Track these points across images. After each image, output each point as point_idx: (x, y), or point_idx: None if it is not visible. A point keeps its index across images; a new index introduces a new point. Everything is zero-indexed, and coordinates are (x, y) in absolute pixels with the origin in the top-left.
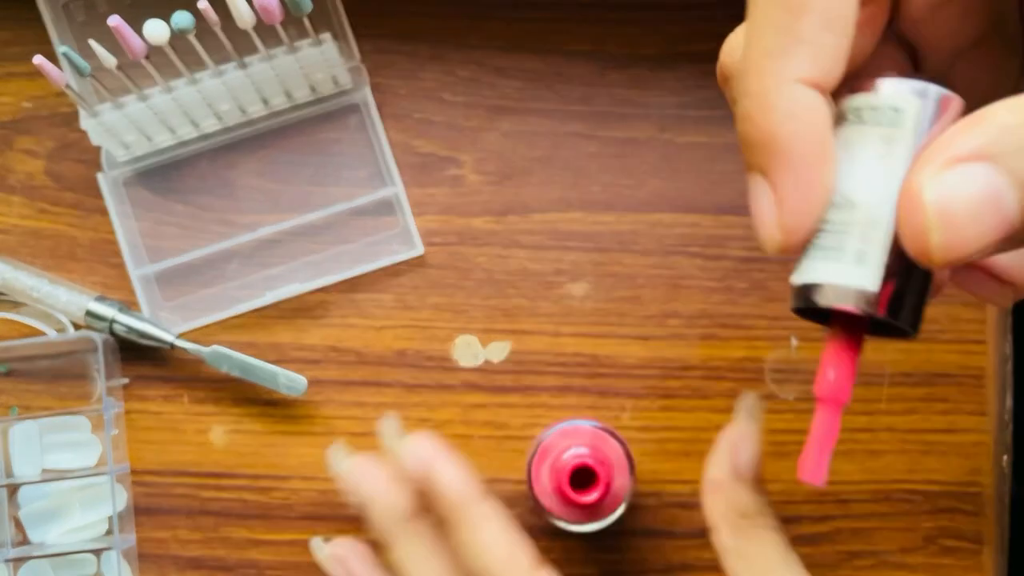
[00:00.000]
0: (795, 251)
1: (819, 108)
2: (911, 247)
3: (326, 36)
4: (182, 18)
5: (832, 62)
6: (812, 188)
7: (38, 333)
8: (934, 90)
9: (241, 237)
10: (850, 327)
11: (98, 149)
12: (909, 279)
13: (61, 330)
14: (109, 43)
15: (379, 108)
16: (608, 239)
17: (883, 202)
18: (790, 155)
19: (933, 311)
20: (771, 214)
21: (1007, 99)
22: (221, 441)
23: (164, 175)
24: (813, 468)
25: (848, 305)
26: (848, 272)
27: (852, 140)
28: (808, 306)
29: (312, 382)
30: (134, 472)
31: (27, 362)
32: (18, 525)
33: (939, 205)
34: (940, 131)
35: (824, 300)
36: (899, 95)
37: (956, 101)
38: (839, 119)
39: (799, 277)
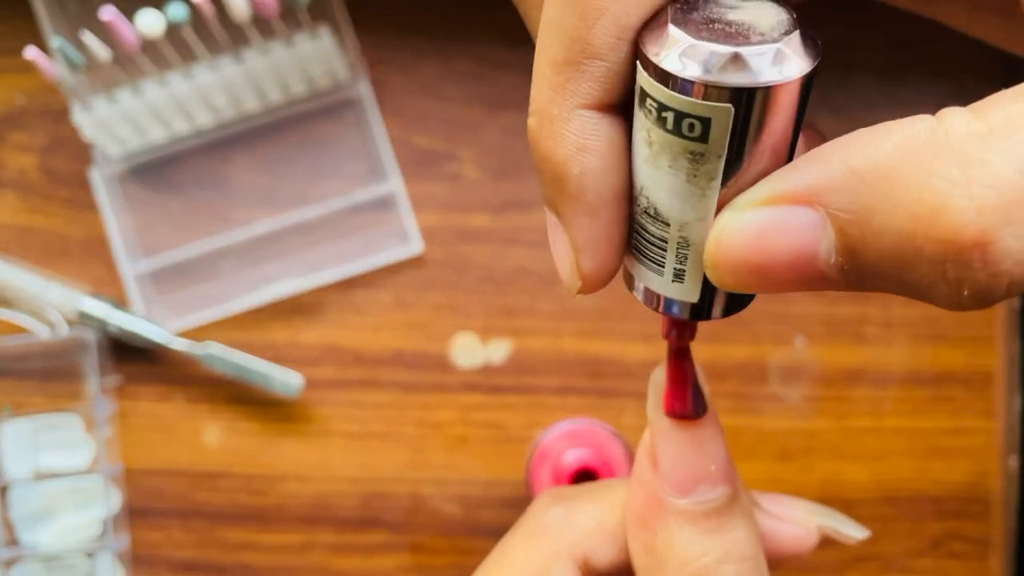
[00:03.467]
0: (596, 291)
1: (614, 139)
2: (716, 282)
3: (324, 29)
4: (177, 10)
5: (627, 79)
6: (611, 236)
7: (30, 331)
8: (760, 82)
9: (236, 234)
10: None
11: (91, 144)
12: None
13: (54, 328)
14: (102, 36)
15: (377, 103)
16: None
17: (695, 223)
18: (583, 199)
19: (938, 311)
20: (568, 259)
21: (846, 137)
22: (216, 441)
23: (158, 171)
24: (678, 405)
25: (676, 313)
26: (670, 287)
27: (658, 144)
28: (644, 303)
29: (308, 382)
30: (127, 472)
31: (19, 361)
32: (9, 526)
33: (751, 250)
34: (769, 135)
35: (654, 306)
36: (704, 102)
37: (790, 86)
38: (638, 94)
39: (629, 267)
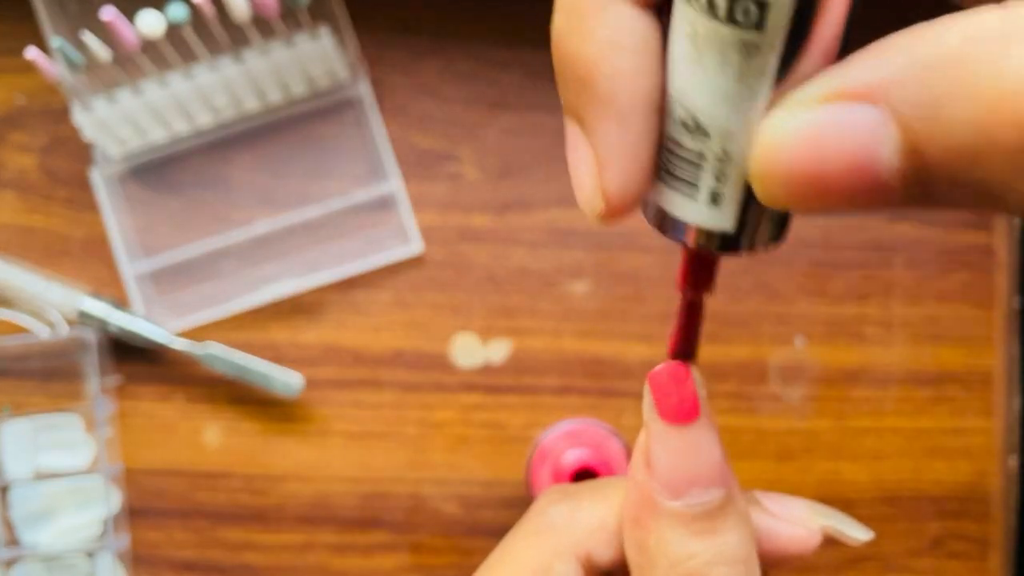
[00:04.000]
0: (619, 217)
1: (650, 38)
2: (763, 197)
3: (324, 30)
4: (177, 10)
5: None
6: (641, 150)
7: (30, 331)
8: None
9: (237, 234)
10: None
11: (91, 144)
12: (768, 208)
13: (54, 328)
14: (103, 36)
15: (377, 103)
16: (610, 237)
17: (740, 132)
18: (612, 104)
19: (939, 311)
20: (591, 177)
21: (906, 31)
22: (216, 441)
23: (158, 171)
24: (681, 349)
25: (707, 246)
26: (703, 213)
27: (704, 37)
28: (666, 234)
29: (308, 382)
30: (127, 472)
31: (19, 361)
32: (9, 526)
33: (806, 154)
34: (822, 32)
35: (682, 237)
36: None
37: None
38: None
39: (656, 198)
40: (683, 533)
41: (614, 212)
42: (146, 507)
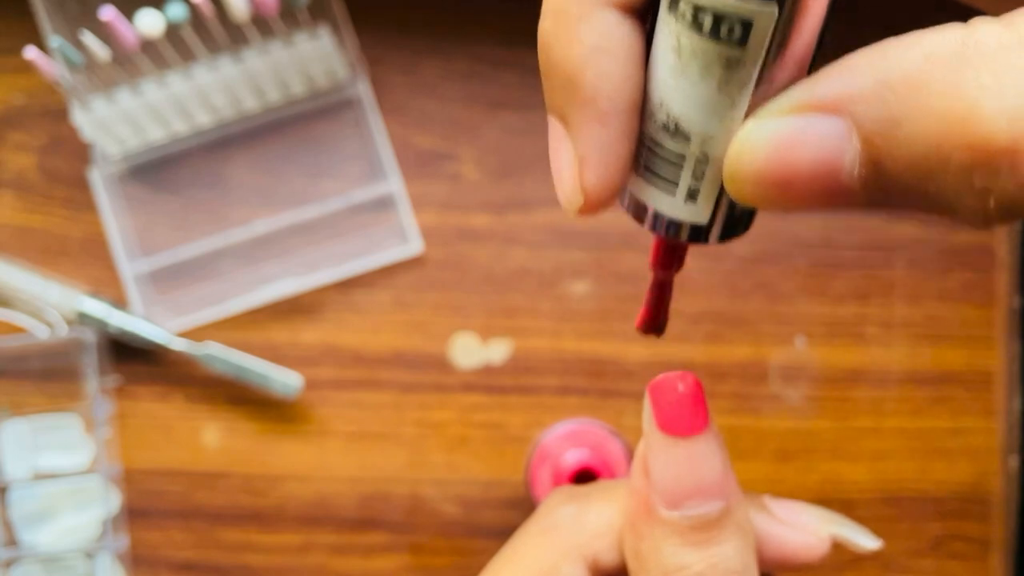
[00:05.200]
0: (597, 211)
1: (632, 43)
2: (735, 196)
3: (323, 29)
4: (176, 10)
5: None
6: (620, 148)
7: (29, 332)
8: None
9: (236, 234)
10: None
11: (90, 144)
12: (739, 205)
13: (53, 329)
14: (102, 36)
15: (377, 102)
16: (610, 237)
17: (719, 137)
18: (595, 105)
19: (940, 311)
20: (571, 171)
21: (874, 46)
22: (215, 442)
23: (157, 170)
24: (650, 323)
25: (680, 237)
26: (680, 207)
27: (687, 50)
28: (642, 224)
29: (307, 382)
30: (126, 473)
31: (18, 361)
32: (8, 527)
33: (774, 159)
34: (797, 45)
35: (657, 228)
36: (748, 3)
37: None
38: None
39: (633, 190)
40: (677, 543)
41: (592, 206)
42: (145, 507)
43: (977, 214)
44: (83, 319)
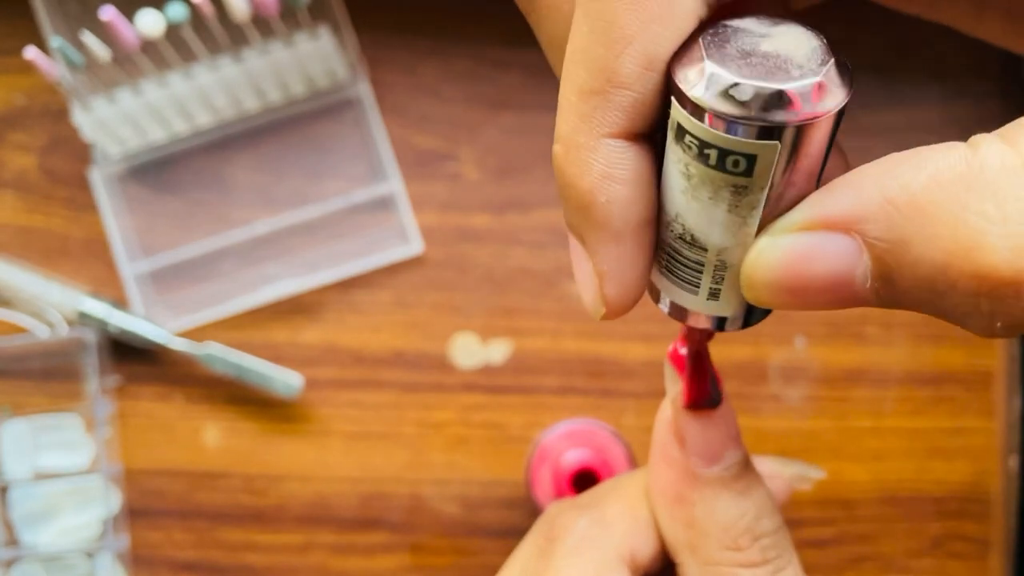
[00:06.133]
0: (620, 316)
1: (641, 168)
2: (751, 301)
3: (323, 29)
4: (177, 10)
5: (654, 108)
6: (636, 261)
7: (30, 332)
8: (792, 121)
9: (236, 234)
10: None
11: (91, 144)
12: None
13: (53, 328)
14: (102, 36)
15: (377, 103)
16: None
17: (734, 247)
18: (609, 227)
19: None
20: (592, 285)
21: (881, 163)
22: (215, 441)
23: (158, 171)
24: (698, 397)
25: (705, 325)
26: (703, 304)
27: (697, 177)
28: (671, 316)
29: (308, 382)
30: (127, 473)
31: (19, 361)
32: (9, 526)
33: (788, 273)
34: (804, 164)
35: (689, 321)
36: (750, 140)
37: (822, 122)
38: (675, 129)
39: (663, 295)
40: (728, 496)
41: (613, 315)
42: (146, 507)
43: (985, 330)
44: (84, 319)
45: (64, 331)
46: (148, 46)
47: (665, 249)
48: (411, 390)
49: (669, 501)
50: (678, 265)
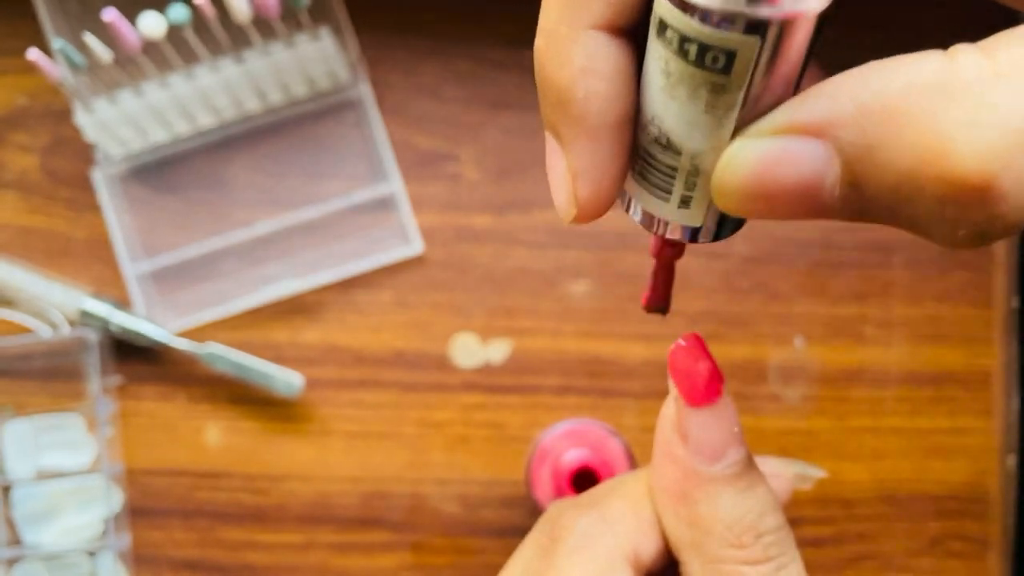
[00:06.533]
0: (591, 220)
1: (621, 64)
2: (721, 207)
3: (324, 30)
4: (178, 12)
5: (640, 1)
6: (611, 162)
7: (32, 331)
8: (774, 17)
9: (237, 234)
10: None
11: (93, 145)
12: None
13: (55, 328)
14: (104, 37)
15: (377, 103)
16: (610, 237)
17: (708, 152)
18: (585, 123)
19: (939, 311)
20: (565, 184)
21: (857, 71)
22: (217, 441)
23: (159, 171)
24: (656, 302)
25: (676, 236)
26: (674, 212)
27: (676, 74)
28: (641, 224)
29: (309, 382)
30: (129, 472)
31: (21, 361)
32: (11, 526)
33: (759, 178)
34: (782, 67)
35: (652, 228)
36: (731, 34)
37: (803, 21)
38: (656, 24)
39: (631, 193)
40: (731, 494)
41: (585, 216)
42: (147, 507)
43: (947, 239)
44: (86, 319)
45: (66, 331)
46: (150, 47)
47: (640, 154)
48: (411, 390)
49: (672, 499)
50: (651, 170)
